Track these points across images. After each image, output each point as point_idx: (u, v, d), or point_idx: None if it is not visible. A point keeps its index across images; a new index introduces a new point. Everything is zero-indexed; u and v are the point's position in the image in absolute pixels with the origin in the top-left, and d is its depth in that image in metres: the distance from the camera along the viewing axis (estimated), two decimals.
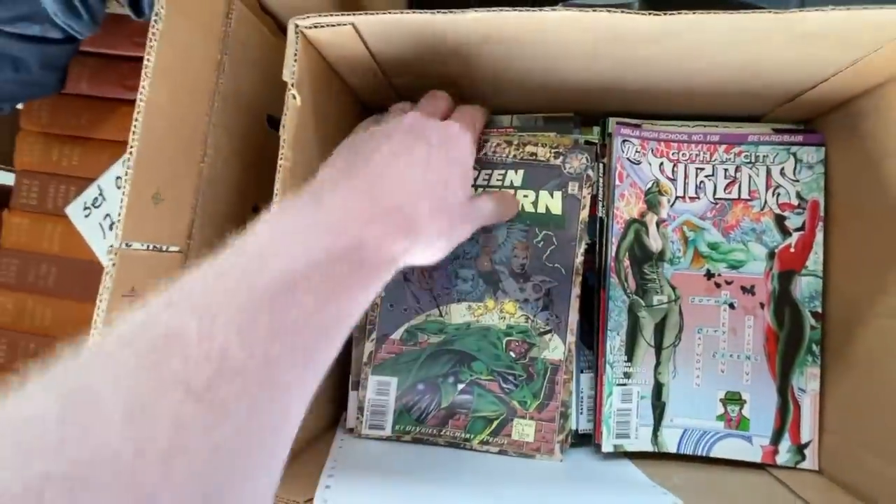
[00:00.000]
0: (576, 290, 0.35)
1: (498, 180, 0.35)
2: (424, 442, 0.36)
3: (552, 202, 0.35)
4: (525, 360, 0.35)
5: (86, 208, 0.41)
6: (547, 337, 0.34)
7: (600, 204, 0.38)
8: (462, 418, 0.35)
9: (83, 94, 0.41)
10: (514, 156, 0.34)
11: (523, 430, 0.35)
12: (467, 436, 0.35)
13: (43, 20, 0.27)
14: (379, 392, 0.36)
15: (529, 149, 0.34)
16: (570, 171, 0.34)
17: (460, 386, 0.35)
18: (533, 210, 0.35)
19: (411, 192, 0.25)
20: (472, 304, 0.36)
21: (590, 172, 0.35)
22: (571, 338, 0.34)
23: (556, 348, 0.34)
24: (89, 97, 0.41)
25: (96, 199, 0.41)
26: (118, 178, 0.40)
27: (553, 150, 0.34)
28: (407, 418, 0.36)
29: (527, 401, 0.35)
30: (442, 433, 0.35)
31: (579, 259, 0.35)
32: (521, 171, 0.35)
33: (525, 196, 0.35)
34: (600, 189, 0.38)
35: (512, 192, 0.35)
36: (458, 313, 0.36)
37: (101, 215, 0.40)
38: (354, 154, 0.27)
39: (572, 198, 0.35)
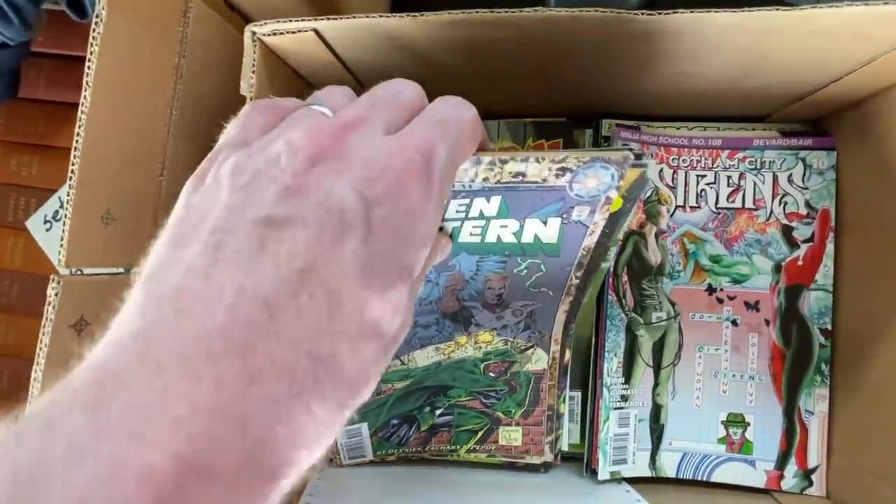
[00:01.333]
0: (563, 307, 0.30)
1: (458, 211, 0.24)
2: (410, 459, 0.34)
3: (544, 230, 0.25)
4: (506, 376, 0.32)
5: (46, 221, 0.38)
6: (529, 352, 0.31)
7: None
8: (445, 434, 0.34)
9: (40, 98, 0.38)
10: (486, 179, 0.22)
11: (510, 435, 0.33)
12: (453, 447, 0.34)
13: None
14: (350, 436, 0.34)
15: (512, 167, 0.21)
16: (581, 193, 0.23)
17: (438, 411, 0.33)
18: (514, 241, 0.26)
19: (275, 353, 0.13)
20: (440, 346, 0.31)
21: (611, 193, 0.24)
22: (556, 347, 0.31)
23: (538, 360, 0.32)
24: (47, 102, 0.39)
25: (57, 211, 0.38)
26: None
27: (556, 167, 0.22)
28: (387, 445, 0.34)
29: (511, 410, 0.33)
30: (427, 449, 0.34)
31: (574, 282, 0.29)
32: (496, 199, 0.23)
33: (503, 226, 0.25)
34: None
35: (447, 236, 0.25)
36: (424, 356, 0.31)
37: (62, 229, 0.37)
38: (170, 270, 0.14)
39: (576, 225, 0.25)
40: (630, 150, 0.22)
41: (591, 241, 0.26)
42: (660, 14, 0.23)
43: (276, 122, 0.17)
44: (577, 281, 0.29)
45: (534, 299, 0.30)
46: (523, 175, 0.22)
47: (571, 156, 0.22)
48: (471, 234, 0.25)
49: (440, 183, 0.16)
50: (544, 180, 0.23)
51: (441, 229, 0.24)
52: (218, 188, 0.15)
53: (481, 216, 0.24)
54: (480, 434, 0.33)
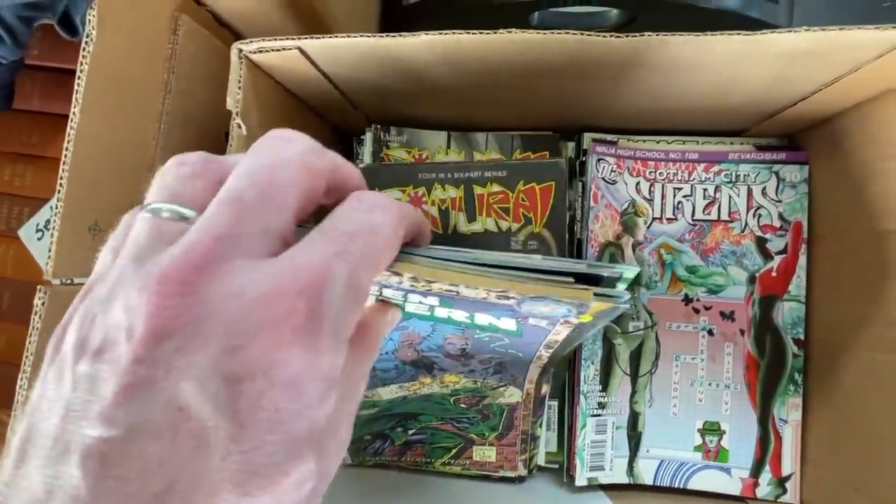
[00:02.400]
0: (538, 363, 0.27)
1: (395, 296, 0.20)
2: (388, 466, 0.35)
3: (499, 322, 0.22)
4: (478, 407, 0.32)
5: (38, 230, 0.39)
6: (501, 389, 0.31)
7: (578, 225, 0.36)
8: (420, 449, 0.34)
9: (34, 110, 0.39)
10: (413, 286, 0.18)
11: (484, 453, 0.34)
12: (428, 460, 0.34)
13: None
14: None
15: (441, 287, 0.17)
16: (533, 313, 0.20)
17: (411, 431, 0.34)
18: (468, 321, 0.22)
19: None
20: (404, 384, 0.29)
21: (571, 319, 0.20)
22: (530, 385, 0.30)
23: (511, 395, 0.31)
24: (40, 113, 0.39)
25: (49, 220, 0.39)
26: None
27: (496, 293, 0.18)
28: (364, 454, 0.34)
29: (484, 433, 0.33)
30: (403, 460, 0.34)
31: (545, 353, 0.26)
32: (433, 298, 0.19)
33: (449, 313, 0.21)
34: (578, 210, 0.36)
35: (395, 307, 0.20)
36: (389, 392, 0.30)
37: (50, 240, 0.38)
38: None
39: (535, 327, 0.22)
40: (594, 276, 0.17)
41: (558, 337, 0.23)
42: (629, 37, 0.24)
43: None
44: (549, 353, 0.25)
45: (502, 356, 0.27)
46: (456, 292, 0.18)
47: (513, 290, 0.17)
48: (417, 308, 0.21)
49: (335, 320, 0.12)
50: (484, 298, 0.18)
51: (385, 301, 0.20)
52: (63, 370, 0.12)
53: (422, 303, 0.20)
54: (454, 451, 0.34)
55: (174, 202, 0.13)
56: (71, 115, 0.25)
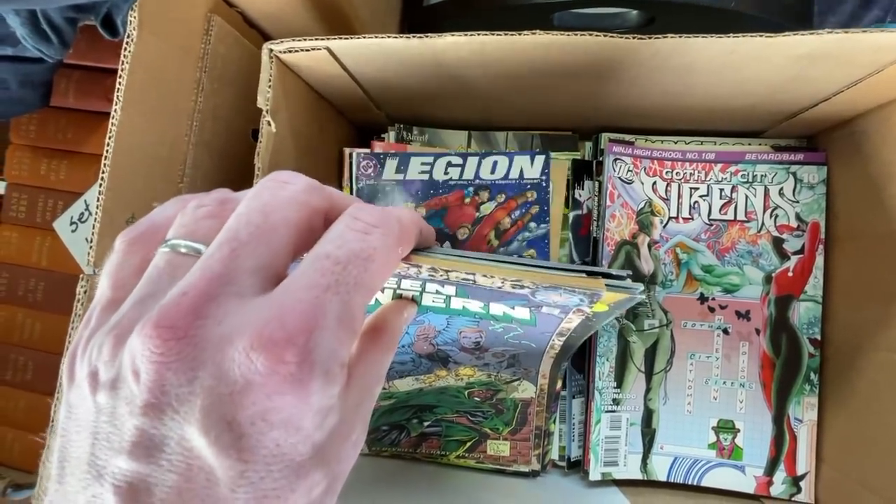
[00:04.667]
0: (550, 353, 0.28)
1: (413, 287, 0.21)
2: (403, 457, 0.36)
3: (513, 312, 0.23)
4: (492, 401, 0.33)
5: (72, 223, 0.40)
6: (515, 383, 0.31)
7: (594, 224, 0.37)
8: (435, 441, 0.35)
9: (70, 107, 0.41)
10: (432, 276, 0.19)
11: (498, 447, 0.35)
12: (443, 452, 0.35)
13: (16, 42, 0.27)
14: None
15: (457, 276, 0.18)
16: (546, 301, 0.21)
17: (426, 423, 0.35)
18: (483, 311, 0.23)
19: None
20: (420, 377, 0.31)
21: (584, 308, 0.21)
22: (543, 380, 0.31)
23: (525, 390, 0.32)
24: (76, 110, 0.41)
25: (83, 213, 0.40)
26: None
27: (510, 282, 0.19)
28: (380, 444, 0.35)
29: (499, 427, 0.34)
30: (418, 451, 0.35)
31: (557, 341, 0.26)
32: (450, 287, 0.20)
33: (464, 304, 0.23)
34: (594, 208, 0.37)
35: (412, 301, 0.21)
36: (405, 384, 0.31)
37: (87, 230, 0.40)
38: None
39: (548, 316, 0.23)
40: (607, 274, 0.18)
41: (570, 325, 0.24)
42: (653, 38, 0.25)
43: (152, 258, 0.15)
44: (561, 341, 0.26)
45: (515, 348, 0.28)
46: (473, 280, 0.19)
47: (527, 279, 0.18)
48: (433, 301, 0.22)
49: (327, 361, 0.13)
50: (499, 287, 0.19)
51: (401, 296, 0.21)
52: (83, 398, 0.13)
53: (439, 293, 0.21)
54: (469, 444, 0.35)
55: (190, 239, 0.14)
56: (112, 113, 0.26)
